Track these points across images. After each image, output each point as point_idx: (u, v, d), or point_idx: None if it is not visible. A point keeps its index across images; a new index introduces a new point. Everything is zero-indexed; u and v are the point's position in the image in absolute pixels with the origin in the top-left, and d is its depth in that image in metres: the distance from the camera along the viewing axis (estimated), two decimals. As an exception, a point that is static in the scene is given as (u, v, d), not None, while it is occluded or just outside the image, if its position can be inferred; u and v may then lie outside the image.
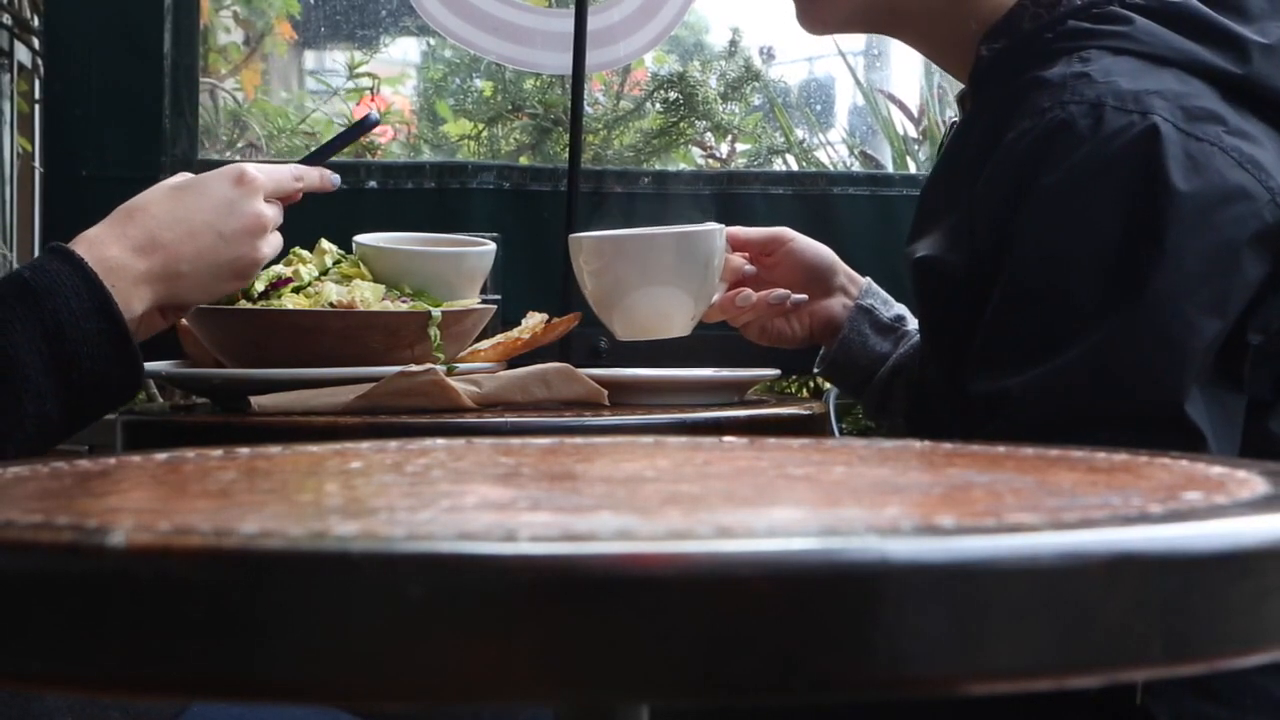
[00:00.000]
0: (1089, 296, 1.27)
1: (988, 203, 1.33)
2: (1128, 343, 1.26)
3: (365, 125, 1.70)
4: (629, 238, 1.73)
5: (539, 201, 2.48)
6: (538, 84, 3.23)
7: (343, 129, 1.73)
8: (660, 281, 1.68)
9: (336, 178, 1.60)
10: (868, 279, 1.78)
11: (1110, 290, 1.26)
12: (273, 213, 1.48)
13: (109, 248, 1.35)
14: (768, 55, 3.36)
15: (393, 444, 0.94)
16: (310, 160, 1.60)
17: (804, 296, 1.74)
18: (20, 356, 1.27)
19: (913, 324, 1.75)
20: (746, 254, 1.76)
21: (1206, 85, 1.33)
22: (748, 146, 3.34)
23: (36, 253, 2.68)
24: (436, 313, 1.65)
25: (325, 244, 1.75)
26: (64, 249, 1.33)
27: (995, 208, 1.32)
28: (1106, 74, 1.32)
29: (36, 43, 3.35)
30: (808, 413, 1.71)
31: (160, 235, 1.39)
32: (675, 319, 1.71)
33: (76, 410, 1.31)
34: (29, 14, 3.36)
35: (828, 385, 2.04)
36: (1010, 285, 1.31)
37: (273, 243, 1.48)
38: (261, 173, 1.47)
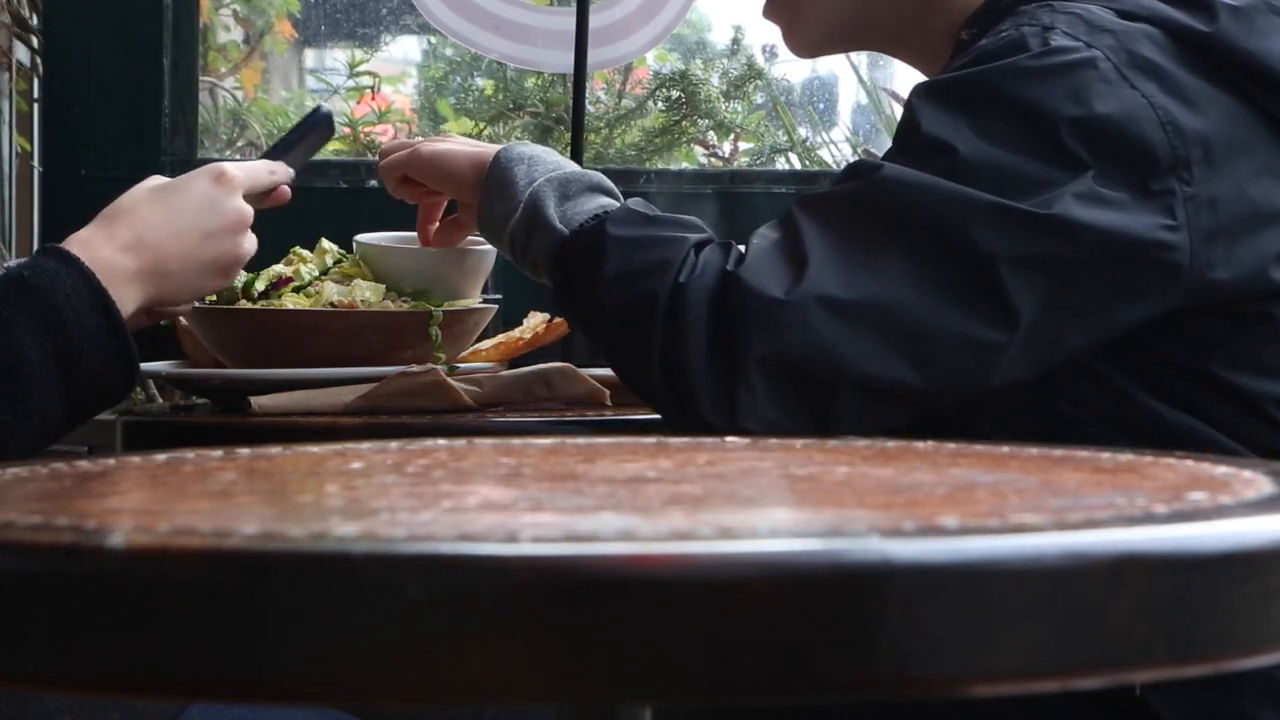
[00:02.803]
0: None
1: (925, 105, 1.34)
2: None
3: (318, 118, 1.69)
4: None
5: (540, 201, 2.47)
6: (539, 82, 3.23)
7: (297, 123, 1.72)
8: None
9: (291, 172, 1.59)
10: None
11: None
12: (248, 210, 1.49)
13: (100, 248, 1.37)
14: (770, 53, 3.36)
15: (393, 444, 0.94)
16: (270, 156, 1.61)
17: None
18: (26, 352, 1.28)
19: None
20: None
21: (1169, 41, 1.34)
22: (750, 145, 3.34)
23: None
24: (437, 312, 1.64)
25: (325, 244, 1.75)
26: (59, 249, 1.35)
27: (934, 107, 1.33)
28: (1067, 8, 1.36)
29: (36, 42, 3.34)
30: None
31: (148, 235, 1.40)
32: None
33: (76, 407, 1.32)
34: (28, 13, 3.36)
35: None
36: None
37: (252, 239, 1.49)
38: (239, 170, 1.49)
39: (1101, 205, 1.27)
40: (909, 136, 1.32)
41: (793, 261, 1.27)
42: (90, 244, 1.37)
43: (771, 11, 1.57)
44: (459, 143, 1.59)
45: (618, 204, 1.41)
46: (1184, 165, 1.30)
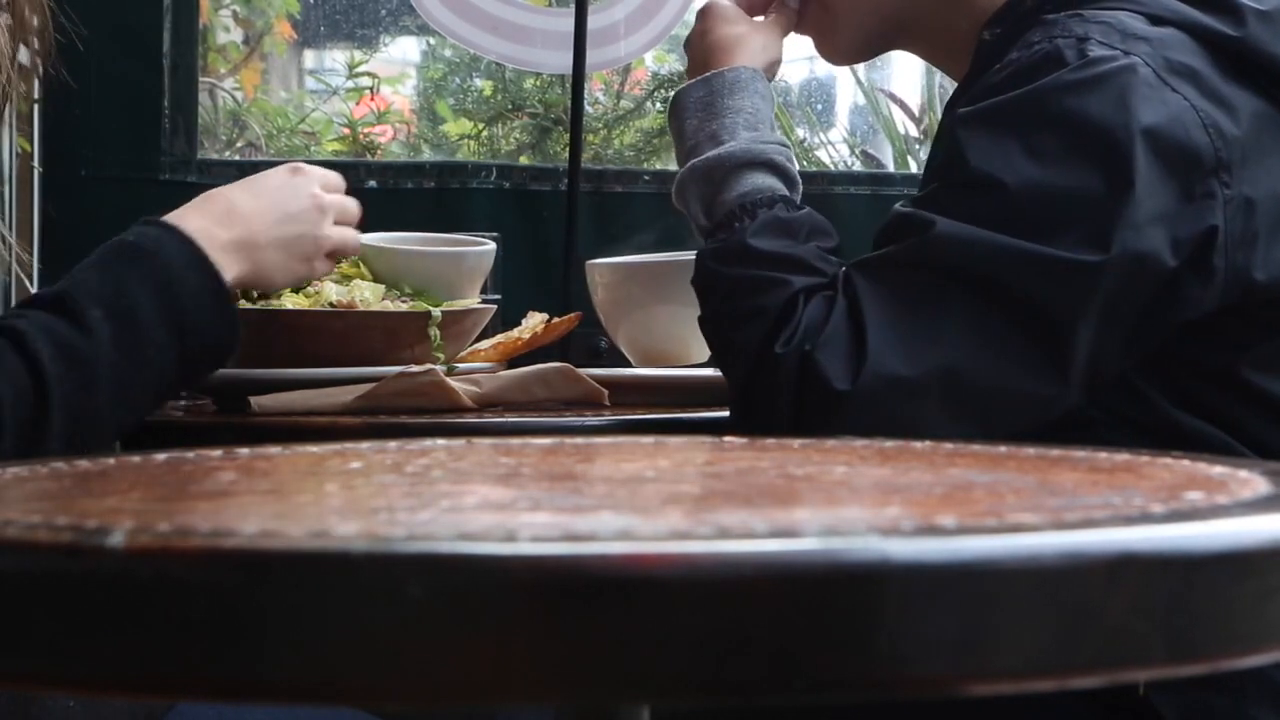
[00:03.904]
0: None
1: (963, 123, 1.34)
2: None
3: None
4: (644, 264, 1.72)
5: (539, 201, 2.48)
6: (538, 83, 3.23)
7: None
8: (678, 307, 1.66)
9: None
10: None
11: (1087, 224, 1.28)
12: (329, 200, 1.54)
13: (192, 220, 1.42)
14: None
15: (393, 444, 0.94)
16: None
17: None
18: (140, 310, 1.33)
19: None
20: None
21: (1199, 46, 1.34)
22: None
23: (37, 253, 2.69)
24: (436, 313, 1.65)
25: (326, 243, 1.74)
26: (157, 219, 1.41)
27: (973, 124, 1.33)
28: (1097, 17, 1.36)
29: (36, 42, 3.34)
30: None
31: (237, 209, 1.47)
32: (693, 346, 1.71)
33: (188, 366, 1.38)
34: (29, 14, 3.36)
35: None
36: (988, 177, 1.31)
37: (342, 232, 1.54)
38: (312, 167, 1.56)
39: (1151, 224, 1.27)
40: (956, 171, 1.32)
41: (855, 338, 1.28)
42: (184, 217, 1.43)
43: (802, 27, 1.59)
44: (729, 37, 1.56)
45: (766, 190, 1.42)
46: (1225, 167, 1.30)
